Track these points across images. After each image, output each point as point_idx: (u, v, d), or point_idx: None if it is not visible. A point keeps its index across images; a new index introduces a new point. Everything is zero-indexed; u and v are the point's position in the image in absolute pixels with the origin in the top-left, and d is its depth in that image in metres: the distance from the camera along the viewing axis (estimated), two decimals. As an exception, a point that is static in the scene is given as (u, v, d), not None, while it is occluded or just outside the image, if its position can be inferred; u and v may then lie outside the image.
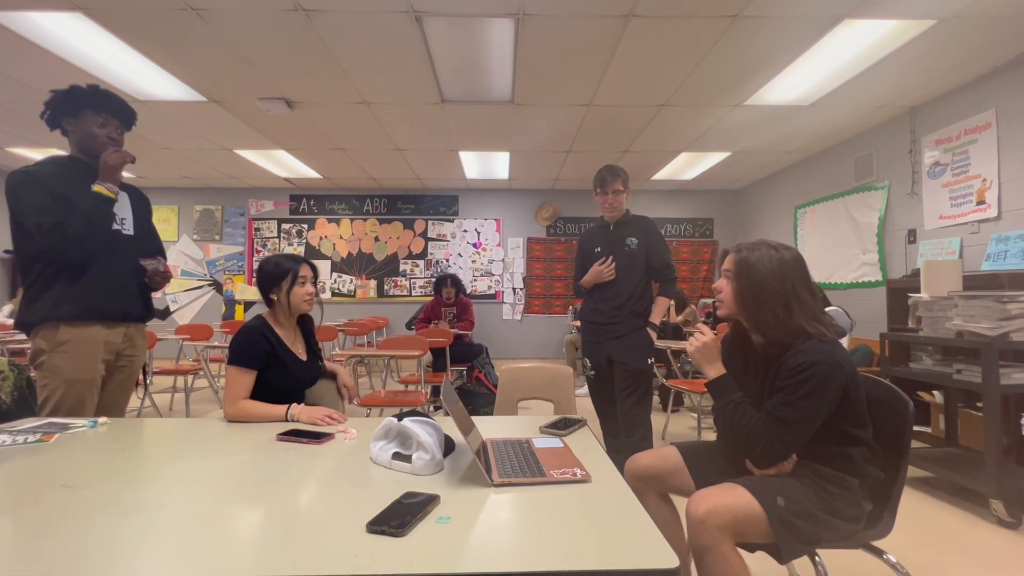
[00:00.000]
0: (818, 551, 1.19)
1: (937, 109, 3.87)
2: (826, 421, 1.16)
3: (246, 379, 1.56)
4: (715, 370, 1.30)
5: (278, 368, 1.63)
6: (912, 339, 2.77)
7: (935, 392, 3.17)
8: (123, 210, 1.81)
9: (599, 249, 2.50)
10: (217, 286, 7.09)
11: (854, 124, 4.47)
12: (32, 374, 1.76)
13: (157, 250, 1.97)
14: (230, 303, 7.03)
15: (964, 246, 3.62)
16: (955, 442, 2.84)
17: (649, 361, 2.41)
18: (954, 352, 2.61)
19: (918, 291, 2.77)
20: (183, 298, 7.04)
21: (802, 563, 1.23)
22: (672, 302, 5.25)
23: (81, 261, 1.67)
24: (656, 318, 2.46)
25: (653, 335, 2.43)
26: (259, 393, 1.60)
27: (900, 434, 1.24)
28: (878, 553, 1.22)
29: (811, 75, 3.48)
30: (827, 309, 2.77)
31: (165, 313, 6.86)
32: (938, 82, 3.60)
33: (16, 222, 1.64)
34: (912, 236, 4.11)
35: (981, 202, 3.49)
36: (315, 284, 1.77)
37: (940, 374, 2.52)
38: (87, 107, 1.73)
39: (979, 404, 2.85)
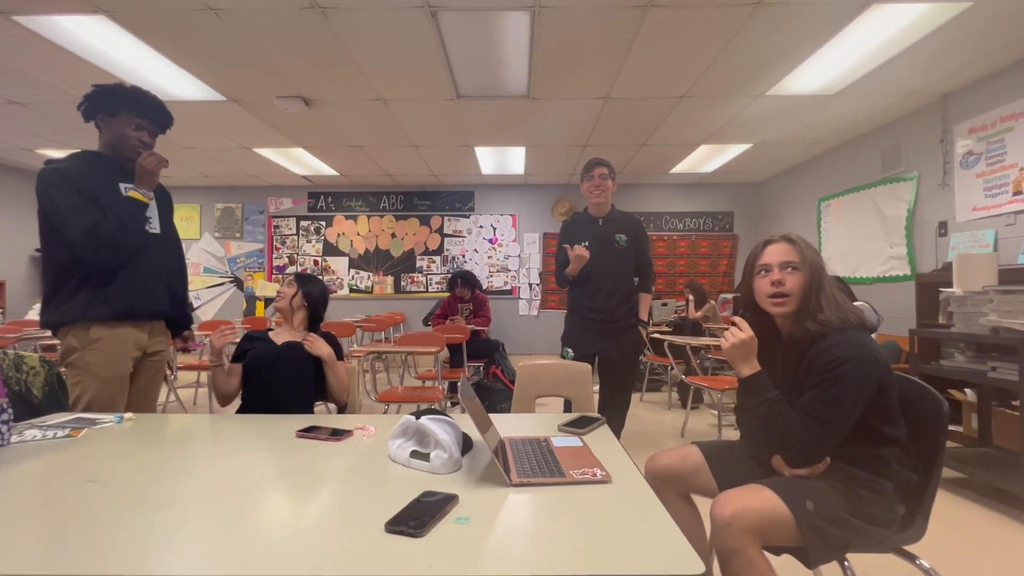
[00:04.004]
0: (847, 555, 1.15)
1: (971, 96, 3.72)
2: (858, 419, 1.12)
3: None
4: (750, 368, 1.25)
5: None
6: (944, 335, 2.68)
7: (967, 390, 3.07)
8: (150, 209, 1.81)
9: (587, 244, 2.48)
10: (238, 283, 7.21)
11: (882, 113, 4.33)
12: (62, 371, 1.79)
13: (178, 250, 2.00)
14: (250, 299, 7.15)
15: (999, 239, 3.48)
16: (989, 442, 2.74)
17: (639, 358, 2.50)
18: (988, 349, 2.51)
19: (949, 285, 2.68)
20: (205, 295, 7.18)
21: (831, 567, 1.19)
22: (691, 297, 5.18)
23: (115, 264, 1.67)
24: (644, 315, 2.55)
25: (644, 333, 2.52)
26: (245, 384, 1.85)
27: (934, 434, 1.20)
28: (911, 558, 1.17)
29: (837, 63, 3.36)
30: (854, 304, 2.70)
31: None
32: (972, 68, 3.46)
33: (47, 220, 1.63)
34: (943, 228, 3.97)
35: (1018, 192, 3.35)
36: (293, 285, 1.96)
37: (974, 372, 2.43)
38: (124, 108, 1.73)
39: (1015, 403, 2.75)
